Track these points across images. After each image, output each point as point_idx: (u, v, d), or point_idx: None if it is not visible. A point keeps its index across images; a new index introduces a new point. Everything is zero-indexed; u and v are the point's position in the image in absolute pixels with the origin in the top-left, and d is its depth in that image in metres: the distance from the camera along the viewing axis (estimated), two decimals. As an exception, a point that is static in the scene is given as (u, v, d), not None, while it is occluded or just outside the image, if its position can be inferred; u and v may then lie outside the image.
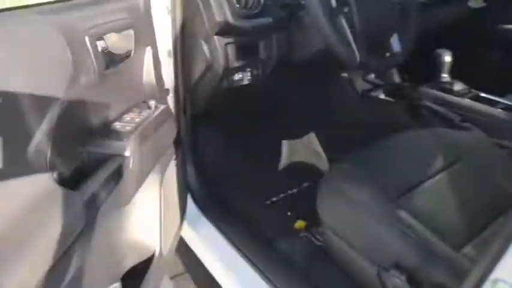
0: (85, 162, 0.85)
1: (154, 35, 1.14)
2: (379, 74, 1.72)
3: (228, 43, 1.23)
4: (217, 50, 1.22)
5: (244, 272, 1.27)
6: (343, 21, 1.11)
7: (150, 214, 1.13)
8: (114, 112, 0.98)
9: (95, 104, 0.89)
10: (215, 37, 1.21)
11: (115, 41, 0.93)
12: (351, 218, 1.08)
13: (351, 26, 1.12)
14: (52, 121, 0.73)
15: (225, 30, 1.18)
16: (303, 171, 1.70)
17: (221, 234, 1.39)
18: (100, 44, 0.82)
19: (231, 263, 1.31)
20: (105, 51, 0.84)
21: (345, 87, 1.69)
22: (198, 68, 1.29)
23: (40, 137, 0.70)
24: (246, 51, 1.29)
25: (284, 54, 1.36)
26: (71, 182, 0.77)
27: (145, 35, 1.05)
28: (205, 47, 1.23)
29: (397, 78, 1.75)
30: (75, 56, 0.75)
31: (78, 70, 0.76)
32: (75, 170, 0.82)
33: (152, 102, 1.07)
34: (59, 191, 0.69)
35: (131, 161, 0.88)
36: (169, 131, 1.13)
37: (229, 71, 1.27)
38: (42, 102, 0.70)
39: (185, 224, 1.48)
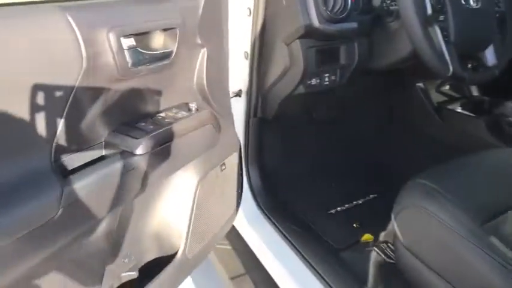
0: (104, 154, 0.85)
1: (217, 37, 1.12)
2: (458, 86, 1.63)
3: (310, 47, 1.20)
4: (298, 54, 1.20)
5: (306, 279, 1.25)
6: (437, 30, 1.05)
7: (180, 213, 1.12)
8: (144, 108, 0.97)
9: (122, 97, 0.88)
10: (297, 40, 1.18)
11: (154, 40, 0.91)
12: (431, 238, 1.02)
13: (445, 35, 1.06)
14: (63, 109, 0.73)
15: (308, 33, 1.16)
16: (368, 182, 1.65)
17: (283, 239, 1.38)
18: (128, 42, 0.80)
19: (293, 268, 1.30)
20: (134, 48, 0.82)
21: (420, 98, 1.62)
22: (275, 71, 1.28)
23: (52, 123, 0.72)
24: (327, 56, 1.26)
25: (363, 61, 1.32)
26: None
27: (199, 36, 1.02)
28: (285, 50, 1.22)
29: (475, 91, 1.65)
30: (90, 51, 0.74)
31: (92, 65, 0.75)
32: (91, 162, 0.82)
33: (193, 105, 1.04)
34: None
35: (141, 160, 0.86)
36: (209, 135, 1.09)
37: (307, 76, 1.24)
38: (52, 93, 0.71)
39: (247, 226, 1.48)
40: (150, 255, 1.13)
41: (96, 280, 0.95)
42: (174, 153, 0.99)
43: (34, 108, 0.70)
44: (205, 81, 1.09)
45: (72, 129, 0.78)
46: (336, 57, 1.29)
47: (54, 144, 0.74)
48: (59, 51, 0.71)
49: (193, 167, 1.11)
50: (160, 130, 0.91)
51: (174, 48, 0.92)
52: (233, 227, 1.54)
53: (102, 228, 0.91)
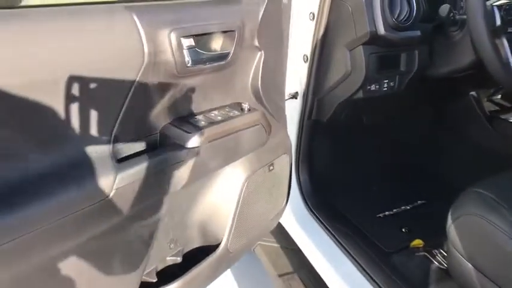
0: (156, 144, 0.91)
1: (275, 40, 1.15)
2: (510, 96, 1.62)
3: (372, 53, 1.23)
4: (360, 59, 1.22)
5: (356, 280, 1.27)
6: (505, 42, 1.07)
7: (226, 208, 1.16)
8: (199, 105, 1.01)
9: (178, 93, 0.92)
10: (360, 46, 1.21)
11: (213, 42, 0.95)
12: (489, 246, 1.04)
13: (512, 47, 1.07)
14: (124, 100, 0.79)
15: (372, 40, 1.18)
16: (417, 189, 1.66)
17: (333, 240, 1.41)
18: (187, 42, 0.85)
19: (343, 269, 1.33)
20: (193, 48, 0.87)
21: (473, 107, 1.62)
22: (335, 76, 1.30)
23: (112, 114, 0.78)
24: (388, 62, 1.28)
25: (423, 68, 1.34)
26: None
27: (257, 39, 1.05)
28: (347, 55, 1.25)
29: (529, 102, 1.64)
30: (151, 48, 0.79)
31: (153, 61, 0.80)
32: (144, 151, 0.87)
33: (245, 105, 1.08)
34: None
35: (192, 154, 0.91)
36: (259, 135, 1.13)
37: (368, 81, 1.27)
38: (116, 84, 0.77)
39: (296, 225, 1.52)
40: (194, 244, 1.19)
41: (142, 260, 1.00)
42: (223, 150, 1.03)
43: (98, 97, 0.75)
44: (259, 83, 1.12)
45: (131, 119, 0.83)
46: (397, 64, 1.31)
47: (114, 131, 0.80)
48: (124, 47, 0.77)
49: (241, 164, 1.16)
50: (211, 126, 0.96)
51: (231, 49, 0.96)
52: (282, 226, 1.58)
53: (151, 213, 0.97)
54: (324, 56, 1.29)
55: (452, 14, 1.20)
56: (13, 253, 0.66)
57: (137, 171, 0.82)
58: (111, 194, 0.77)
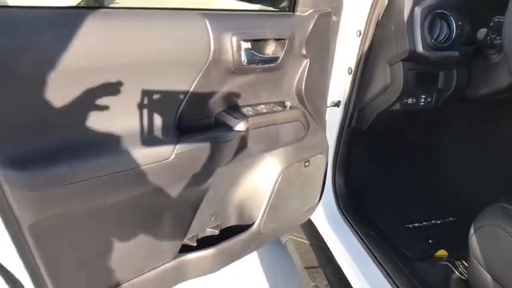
0: (211, 126, 1.10)
1: (321, 51, 1.29)
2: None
3: (410, 69, 1.33)
4: (399, 74, 1.33)
5: (378, 282, 1.35)
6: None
7: (262, 192, 1.31)
8: (248, 98, 1.18)
9: (233, 86, 1.11)
10: (400, 62, 1.32)
11: (266, 47, 1.14)
12: (508, 257, 1.08)
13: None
14: (190, 86, 0.99)
15: (411, 57, 1.29)
16: (449, 205, 1.69)
17: (360, 242, 1.49)
18: (245, 44, 1.04)
19: (367, 270, 1.40)
20: (249, 50, 1.05)
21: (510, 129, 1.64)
22: (375, 87, 1.42)
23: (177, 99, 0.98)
24: (426, 79, 1.37)
25: (460, 88, 1.41)
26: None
27: (305, 49, 1.20)
28: (387, 70, 1.36)
29: None
30: (216, 47, 0.99)
31: (216, 58, 1.00)
32: (200, 129, 1.06)
33: (288, 103, 1.25)
34: None
35: (238, 136, 1.10)
36: (297, 131, 1.28)
37: (405, 95, 1.37)
38: (185, 73, 0.97)
39: (327, 225, 1.62)
40: (231, 222, 1.36)
41: (186, 226, 1.20)
42: (264, 138, 1.21)
43: (172, 80, 0.96)
44: (303, 87, 1.29)
45: (193, 102, 1.03)
46: (434, 81, 1.39)
47: (180, 109, 1.01)
48: (196, 44, 0.97)
49: (279, 155, 1.32)
50: (257, 116, 1.14)
51: (281, 55, 1.15)
52: (312, 223, 1.69)
53: (200, 183, 1.15)
54: (367, 69, 1.41)
55: (489, 38, 1.27)
56: (90, 190, 0.87)
57: (194, 142, 1.01)
58: (171, 157, 0.96)
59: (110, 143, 0.88)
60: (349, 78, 1.47)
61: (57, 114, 0.79)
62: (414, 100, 1.40)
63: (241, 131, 1.08)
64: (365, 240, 1.49)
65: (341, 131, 1.56)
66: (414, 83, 1.36)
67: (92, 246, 0.96)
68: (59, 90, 0.78)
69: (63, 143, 0.82)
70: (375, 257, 1.41)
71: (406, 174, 1.66)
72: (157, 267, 1.14)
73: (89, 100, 0.84)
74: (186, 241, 1.22)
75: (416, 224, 1.59)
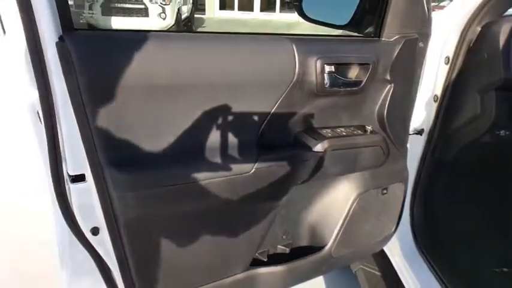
0: (290, 145, 1.13)
1: (406, 77, 1.26)
2: None
3: (504, 99, 1.25)
4: (491, 104, 1.26)
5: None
6: None
7: (335, 215, 1.30)
8: (329, 121, 1.19)
9: (314, 108, 1.13)
10: (493, 91, 1.25)
11: (349, 71, 1.14)
12: None
13: None
14: (273, 105, 1.04)
15: (506, 86, 1.21)
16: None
17: (439, 282, 1.40)
18: (329, 68, 1.07)
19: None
20: (332, 74, 1.07)
21: None
22: (463, 117, 1.35)
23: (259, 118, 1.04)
24: (521, 109, 1.28)
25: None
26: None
27: (390, 74, 1.19)
28: (478, 99, 1.29)
29: None
30: (301, 70, 1.02)
31: (300, 79, 1.03)
32: (280, 147, 1.10)
33: (369, 127, 1.24)
34: None
35: (316, 157, 1.11)
36: (376, 156, 1.26)
37: (497, 126, 1.28)
38: (269, 93, 1.03)
39: (402, 259, 1.55)
40: (302, 242, 1.36)
41: (258, 241, 1.22)
42: (342, 160, 1.21)
43: (257, 99, 1.02)
44: (385, 112, 1.26)
45: (275, 121, 1.08)
46: None
47: (262, 127, 1.06)
48: (282, 66, 1.02)
49: (356, 179, 1.31)
50: (336, 138, 1.15)
51: (364, 79, 1.15)
52: (385, 254, 1.62)
53: (275, 199, 1.18)
54: (454, 97, 1.36)
55: None
56: (178, 195, 0.95)
57: (273, 159, 1.05)
58: (251, 172, 1.01)
59: (197, 154, 0.96)
60: (435, 106, 1.42)
61: (155, 125, 0.90)
62: (508, 132, 1.30)
63: (319, 152, 1.10)
64: (444, 281, 1.39)
65: (423, 160, 1.50)
66: (508, 114, 1.27)
67: (175, 248, 1.04)
68: (159, 104, 0.88)
69: (160, 151, 0.91)
70: None
71: (495, 212, 1.53)
72: (227, 277, 1.19)
73: (183, 114, 0.93)
74: (257, 255, 1.26)
75: (505, 269, 1.44)
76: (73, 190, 0.89)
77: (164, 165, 0.91)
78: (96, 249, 0.97)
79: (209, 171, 0.96)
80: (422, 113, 1.45)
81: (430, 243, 1.53)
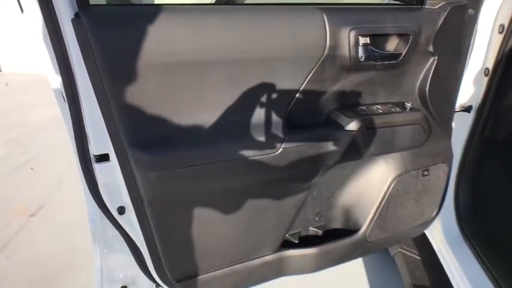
0: (321, 124, 1.07)
1: (452, 48, 1.15)
2: None
3: None
4: None
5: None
6: None
7: (371, 197, 1.23)
8: (364, 97, 1.10)
9: (348, 84, 1.05)
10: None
11: (387, 42, 1.04)
12: None
13: None
14: (303, 82, 0.98)
15: None
16: None
17: (483, 268, 1.31)
18: (364, 40, 0.97)
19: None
20: (368, 46, 0.98)
21: None
22: (519, 92, 1.22)
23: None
24: None
25: None
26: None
27: (432, 46, 1.08)
28: (537, 71, 1.15)
29: None
30: (332, 42, 0.94)
31: (332, 53, 0.95)
32: (310, 126, 1.05)
33: (408, 104, 1.14)
34: None
35: (349, 136, 1.04)
36: (417, 135, 1.17)
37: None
38: (298, 69, 0.96)
39: (445, 244, 1.46)
40: (336, 224, 1.31)
41: (288, 222, 1.18)
42: (378, 140, 1.12)
43: (283, 77, 0.96)
44: (427, 88, 1.16)
45: (304, 98, 1.01)
46: None
47: (290, 105, 1.00)
48: (311, 39, 0.94)
49: (394, 160, 1.22)
50: (371, 116, 1.07)
51: (403, 51, 1.05)
52: (426, 238, 1.54)
53: (305, 180, 1.13)
54: (508, 71, 1.22)
55: None
56: (203, 175, 0.93)
57: (301, 139, 1.00)
58: (278, 151, 0.97)
59: (222, 133, 0.93)
60: (485, 80, 1.29)
61: (178, 104, 0.87)
62: None
63: (352, 131, 1.03)
64: (490, 269, 1.30)
65: (470, 139, 1.38)
66: None
67: (201, 227, 1.03)
68: (182, 81, 0.85)
69: (183, 130, 0.89)
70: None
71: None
72: (257, 258, 1.17)
73: (205, 92, 0.90)
74: (288, 237, 1.23)
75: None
76: (98, 170, 0.89)
77: (188, 144, 0.89)
78: (124, 228, 0.98)
79: (233, 151, 0.93)
80: (470, 89, 1.33)
81: (475, 228, 1.43)
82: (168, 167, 0.88)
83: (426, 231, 1.48)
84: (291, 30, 0.92)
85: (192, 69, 0.85)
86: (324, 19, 0.94)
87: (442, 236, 1.49)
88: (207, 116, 0.91)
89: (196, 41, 0.83)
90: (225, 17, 0.87)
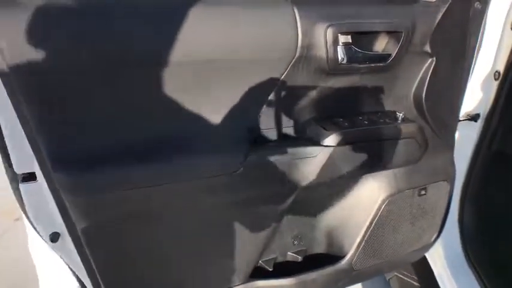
0: (297, 137, 0.92)
1: (455, 48, 0.99)
2: None
3: None
4: None
5: None
6: None
7: (358, 220, 1.08)
8: (346, 106, 0.95)
9: (326, 90, 0.89)
10: None
11: (373, 41, 0.88)
12: None
13: None
14: (271, 90, 0.82)
15: None
16: None
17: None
18: (344, 38, 0.81)
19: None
20: (349, 46, 0.82)
21: None
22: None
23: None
24: None
25: None
26: None
27: (430, 44, 0.92)
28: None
29: None
30: (305, 42, 0.78)
31: (305, 54, 0.79)
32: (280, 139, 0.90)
33: (400, 114, 0.97)
34: None
35: (326, 152, 0.89)
36: (410, 151, 1.01)
37: None
38: (263, 75, 0.80)
39: (446, 271, 1.30)
40: (318, 249, 1.15)
41: (259, 247, 1.02)
42: (362, 157, 0.96)
43: (245, 82, 0.80)
44: (424, 94, 1.00)
45: (274, 107, 0.86)
46: None
47: (257, 115, 0.85)
48: (278, 38, 0.78)
49: (385, 177, 1.06)
50: (353, 129, 0.91)
51: (394, 52, 0.89)
52: (426, 262, 1.37)
53: (276, 201, 0.97)
54: None
55: None
56: (146, 198, 0.78)
57: (268, 155, 0.85)
58: (239, 171, 0.81)
59: (170, 149, 0.78)
60: (495, 84, 1.12)
61: (107, 115, 0.72)
62: None
63: (330, 146, 0.87)
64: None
65: (476, 152, 1.21)
66: None
67: (151, 259, 0.89)
68: (111, 88, 0.70)
69: (118, 147, 0.74)
70: None
71: None
72: None
73: (152, 99, 0.75)
74: (261, 263, 1.07)
75: None
76: (23, 190, 0.75)
77: (125, 164, 0.74)
78: (61, 257, 0.84)
79: (185, 170, 0.78)
80: (477, 94, 1.16)
81: (481, 252, 1.27)
82: (101, 191, 0.74)
83: (426, 254, 1.32)
84: (253, 28, 0.76)
85: (124, 74, 0.70)
86: (294, 14, 0.77)
87: (444, 259, 1.32)
88: (150, 129, 0.76)
89: (138, 41, 0.68)
90: (167, 10, 0.71)
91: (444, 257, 1.32)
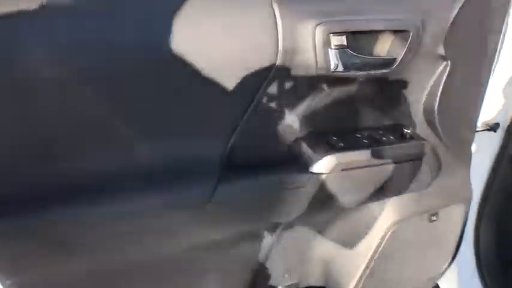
0: (280, 162, 0.76)
1: (474, 50, 0.86)
2: None
3: None
4: None
5: None
6: None
7: (359, 250, 0.95)
8: (343, 122, 0.81)
9: (315, 103, 0.75)
10: None
11: (374, 42, 0.74)
12: None
13: None
14: (247, 107, 0.68)
15: None
16: None
17: None
18: (337, 40, 0.67)
19: None
20: (344, 49, 0.68)
21: None
22: None
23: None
24: None
25: None
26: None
27: (444, 46, 0.78)
28: None
29: None
30: (288, 46, 0.64)
31: (288, 61, 0.65)
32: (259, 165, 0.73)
33: (408, 131, 0.83)
34: None
35: (317, 180, 0.74)
36: (420, 173, 0.86)
37: None
38: (237, 85, 0.65)
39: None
40: (311, 283, 1.05)
41: (241, 285, 0.91)
42: (362, 184, 0.82)
43: (216, 96, 0.66)
44: (436, 104, 0.86)
45: (253, 127, 0.71)
46: None
47: (232, 135, 0.70)
48: (255, 41, 0.64)
49: (390, 204, 0.93)
50: (350, 151, 0.76)
51: (399, 55, 0.74)
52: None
53: (255, 239, 0.86)
54: None
55: None
56: (88, 249, 0.64)
57: (243, 186, 0.70)
58: (209, 205, 0.67)
59: (116, 180, 0.63)
60: None
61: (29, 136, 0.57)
62: None
63: (321, 174, 0.72)
64: None
65: (495, 167, 1.09)
66: None
67: None
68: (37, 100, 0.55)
69: (40, 178, 0.59)
70: None
71: None
72: None
73: (86, 114, 0.59)
74: None
75: None
76: None
77: (53, 206, 0.59)
78: None
79: (138, 209, 0.63)
80: (498, 101, 1.03)
81: (501, 280, 1.15)
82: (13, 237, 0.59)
83: (439, 282, 1.18)
84: (222, 29, 0.61)
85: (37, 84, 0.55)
86: (273, 10, 0.62)
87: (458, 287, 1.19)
88: (85, 154, 0.61)
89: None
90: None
91: (458, 285, 1.19)
